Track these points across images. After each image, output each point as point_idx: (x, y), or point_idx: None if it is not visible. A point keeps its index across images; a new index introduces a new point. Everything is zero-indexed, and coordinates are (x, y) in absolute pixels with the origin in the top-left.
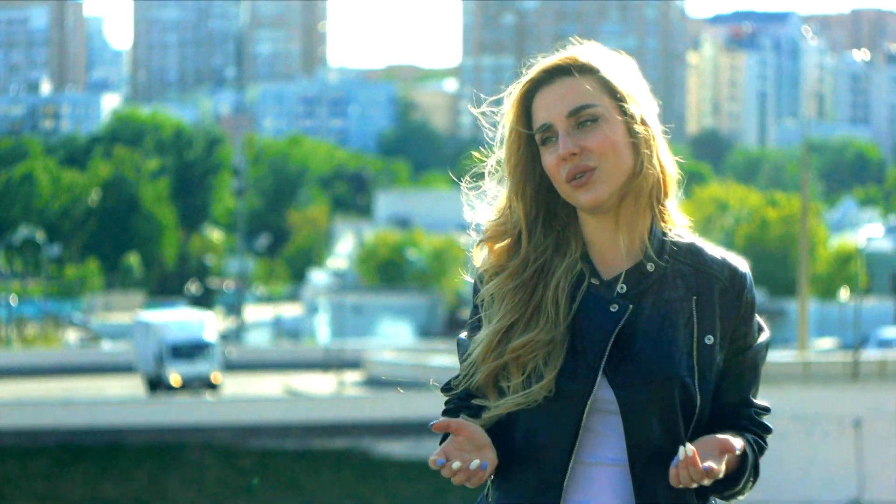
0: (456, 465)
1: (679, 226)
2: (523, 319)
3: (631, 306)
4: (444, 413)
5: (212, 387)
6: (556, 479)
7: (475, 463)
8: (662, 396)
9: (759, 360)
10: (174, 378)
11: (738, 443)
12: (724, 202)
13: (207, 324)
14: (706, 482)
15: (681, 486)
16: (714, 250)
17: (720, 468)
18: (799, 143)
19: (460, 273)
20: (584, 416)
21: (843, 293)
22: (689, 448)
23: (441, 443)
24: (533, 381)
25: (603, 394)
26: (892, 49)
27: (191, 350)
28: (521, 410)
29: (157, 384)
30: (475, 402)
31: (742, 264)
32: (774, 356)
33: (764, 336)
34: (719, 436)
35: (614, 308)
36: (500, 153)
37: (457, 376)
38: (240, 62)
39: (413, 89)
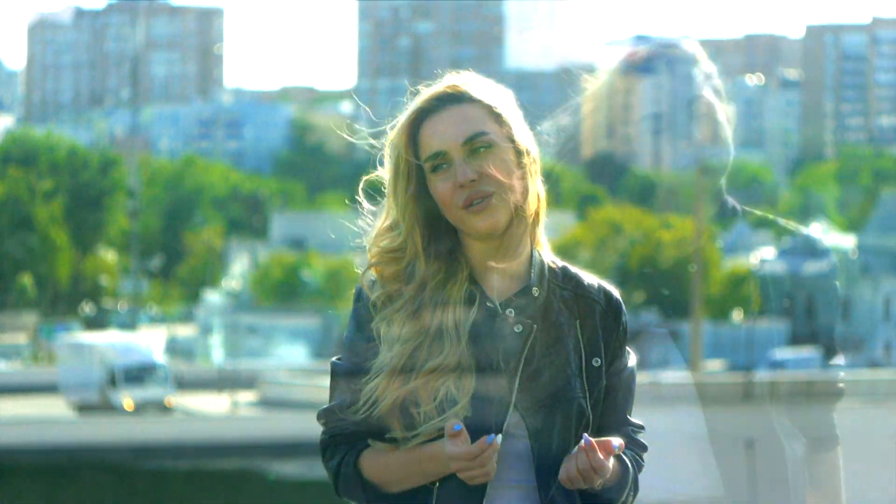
0: (499, 438)
1: (547, 250)
2: (426, 343)
3: (535, 325)
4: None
5: (165, 410)
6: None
7: (498, 437)
8: (563, 418)
9: (633, 381)
10: (127, 402)
11: (616, 441)
12: (619, 224)
13: (154, 345)
14: (595, 478)
15: (570, 483)
16: (586, 276)
17: (609, 467)
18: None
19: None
20: (502, 437)
21: (737, 315)
22: (587, 438)
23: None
24: (446, 407)
25: (510, 418)
26: (785, 74)
27: (141, 373)
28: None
29: (97, 409)
30: (391, 434)
31: (614, 289)
32: (667, 377)
33: (633, 359)
34: (601, 438)
35: (518, 329)
36: (388, 179)
37: (351, 405)
38: (135, 83)
39: (309, 111)
